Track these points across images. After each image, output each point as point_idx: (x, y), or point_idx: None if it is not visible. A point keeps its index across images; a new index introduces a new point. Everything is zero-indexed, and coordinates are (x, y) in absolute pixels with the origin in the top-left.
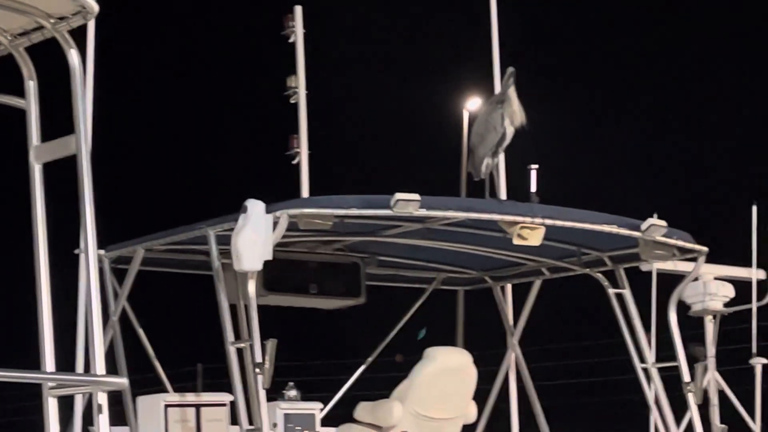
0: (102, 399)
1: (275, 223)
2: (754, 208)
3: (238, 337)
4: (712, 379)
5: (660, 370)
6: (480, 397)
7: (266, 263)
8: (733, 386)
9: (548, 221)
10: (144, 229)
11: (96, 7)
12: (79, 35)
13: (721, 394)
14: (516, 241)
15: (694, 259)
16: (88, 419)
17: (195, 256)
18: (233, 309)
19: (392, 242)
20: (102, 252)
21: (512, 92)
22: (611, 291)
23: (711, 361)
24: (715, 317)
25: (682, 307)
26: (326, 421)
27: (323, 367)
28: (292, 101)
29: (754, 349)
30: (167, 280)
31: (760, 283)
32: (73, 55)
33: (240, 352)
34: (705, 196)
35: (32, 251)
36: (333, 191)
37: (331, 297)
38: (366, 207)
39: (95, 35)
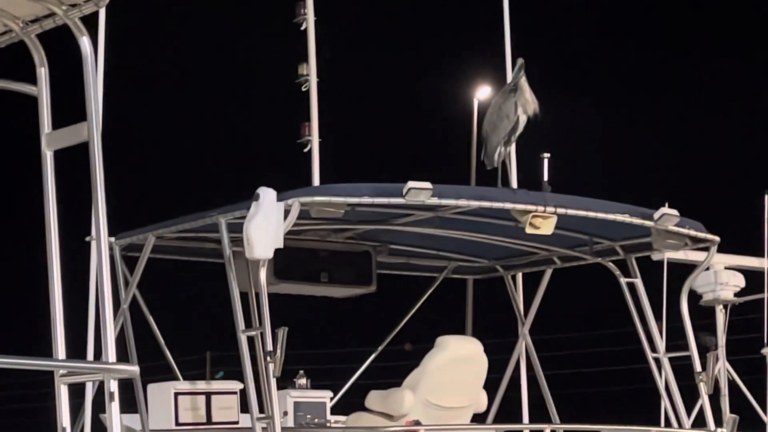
0: (113, 387)
1: (287, 211)
2: (767, 197)
3: (249, 325)
4: (723, 368)
5: (670, 359)
6: (490, 385)
7: (277, 251)
8: (743, 376)
9: (560, 210)
10: (155, 217)
11: None
12: (90, 23)
13: (731, 384)
14: (528, 230)
15: (705, 249)
16: (98, 407)
17: (206, 243)
18: (244, 297)
19: (403, 231)
20: (113, 239)
21: (524, 81)
22: (623, 280)
23: (721, 351)
24: (725, 307)
25: (693, 297)
26: (336, 410)
27: (333, 356)
28: (304, 89)
29: (766, 339)
30: (176, 267)
31: None
32: (85, 42)
33: (251, 340)
34: (715, 185)
35: (44, 239)
36: (342, 180)
37: (342, 285)
38: (378, 195)
39: (106, 22)
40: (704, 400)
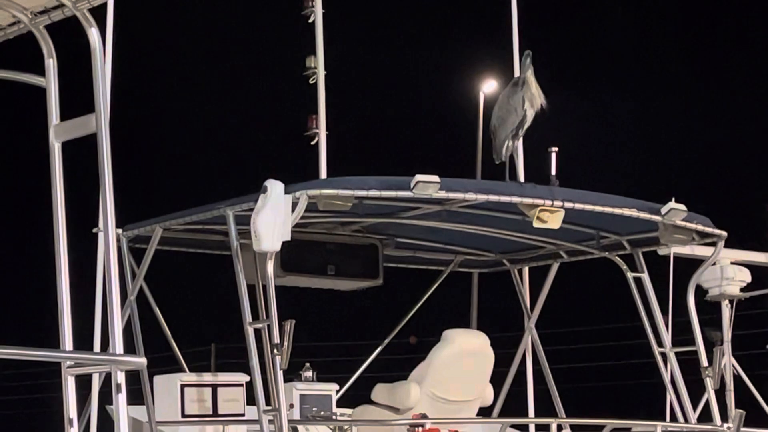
0: (121, 378)
1: (294, 204)
2: None
3: (256, 317)
4: (729, 363)
5: (676, 354)
6: (496, 379)
7: (284, 244)
8: (748, 371)
9: (568, 204)
10: (162, 209)
11: None
12: (98, 14)
13: (737, 379)
14: (536, 224)
15: (712, 244)
16: (105, 398)
17: (213, 236)
18: (251, 289)
19: (410, 224)
20: (120, 231)
21: (530, 74)
22: (630, 275)
23: (727, 346)
24: (731, 302)
25: (699, 292)
26: (342, 402)
27: (340, 348)
28: (311, 81)
29: None
30: (183, 259)
31: None
32: (93, 34)
33: (258, 333)
34: (721, 180)
35: (51, 230)
36: (347, 173)
37: (349, 278)
38: (386, 188)
39: (114, 13)
40: (710, 395)
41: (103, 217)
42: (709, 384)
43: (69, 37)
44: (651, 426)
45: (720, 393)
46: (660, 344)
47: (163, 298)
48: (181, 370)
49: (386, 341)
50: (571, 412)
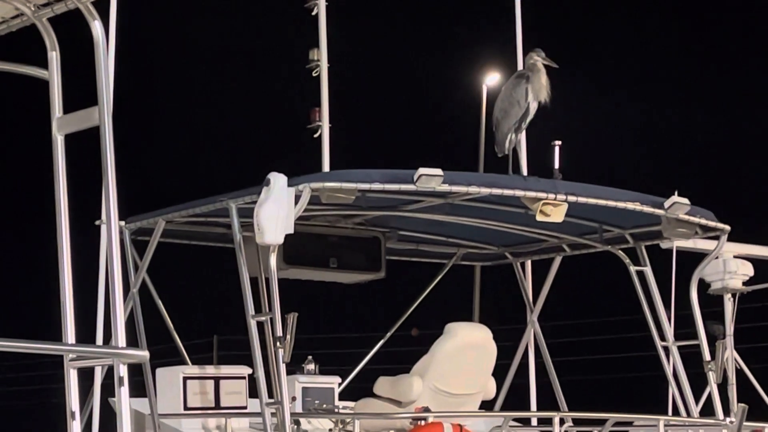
0: (123, 371)
1: (297, 197)
2: None
3: (258, 310)
4: (731, 357)
5: (678, 347)
6: (499, 372)
7: (287, 237)
8: (751, 365)
9: (571, 198)
10: (165, 201)
11: None
12: (101, 7)
13: (739, 373)
14: (539, 218)
15: (715, 237)
16: (107, 390)
17: (216, 228)
18: (254, 282)
19: (413, 217)
20: (123, 223)
21: (539, 68)
22: (632, 268)
23: (729, 340)
24: (734, 296)
25: (701, 285)
26: (345, 395)
27: (342, 341)
28: (315, 74)
29: None
30: (186, 252)
31: None
32: (96, 27)
33: (260, 326)
34: (724, 174)
35: (54, 222)
36: (350, 166)
37: (351, 271)
38: (389, 181)
39: (117, 6)
40: (713, 389)
41: (106, 209)
42: (712, 378)
43: (72, 30)
44: (653, 420)
45: (722, 387)
46: (662, 338)
47: (165, 290)
48: (184, 363)
49: (389, 334)
50: (574, 406)
